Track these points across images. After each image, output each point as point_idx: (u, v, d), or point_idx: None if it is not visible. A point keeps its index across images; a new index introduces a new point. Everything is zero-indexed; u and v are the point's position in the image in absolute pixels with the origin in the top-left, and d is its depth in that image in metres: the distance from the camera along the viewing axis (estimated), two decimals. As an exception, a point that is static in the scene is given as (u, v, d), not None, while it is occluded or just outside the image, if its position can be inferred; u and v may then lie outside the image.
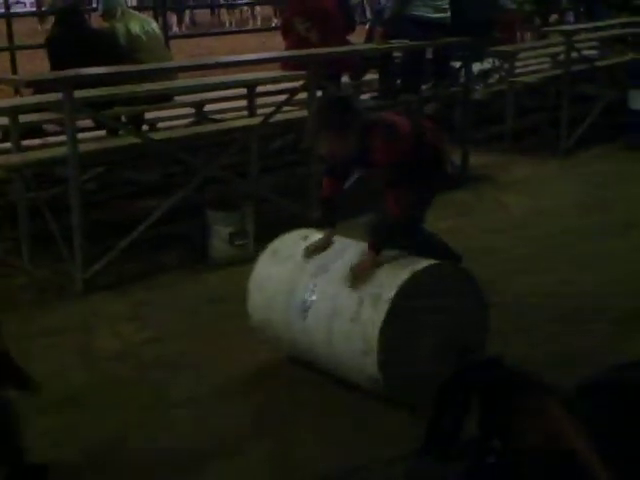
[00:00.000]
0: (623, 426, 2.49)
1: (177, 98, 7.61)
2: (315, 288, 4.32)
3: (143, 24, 7.69)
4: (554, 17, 14.44)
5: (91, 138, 6.75)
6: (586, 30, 10.68)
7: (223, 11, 24.44)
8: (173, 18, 20.58)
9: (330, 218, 4.63)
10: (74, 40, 7.02)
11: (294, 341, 4.46)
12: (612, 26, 11.08)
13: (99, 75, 6.24)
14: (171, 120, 7.67)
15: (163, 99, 7.36)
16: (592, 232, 6.71)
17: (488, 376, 2.70)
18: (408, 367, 4.07)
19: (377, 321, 3.99)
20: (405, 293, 4.03)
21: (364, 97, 8.42)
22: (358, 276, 4.19)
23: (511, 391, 2.63)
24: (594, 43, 11.28)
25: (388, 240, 4.34)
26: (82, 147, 5.95)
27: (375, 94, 8.48)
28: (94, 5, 17.80)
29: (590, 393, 2.63)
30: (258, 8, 23.45)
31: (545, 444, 2.47)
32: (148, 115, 7.44)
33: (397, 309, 4.01)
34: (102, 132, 6.99)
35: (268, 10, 23.69)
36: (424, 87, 8.54)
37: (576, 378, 2.87)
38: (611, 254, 6.21)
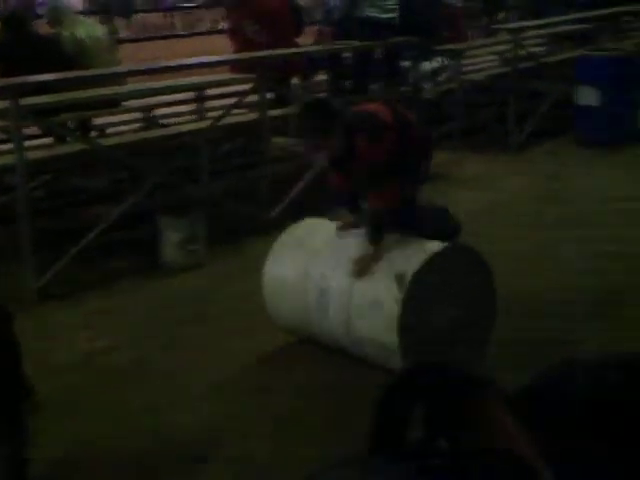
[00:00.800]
0: (567, 430, 2.50)
1: (125, 103, 7.55)
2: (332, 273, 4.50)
3: (89, 30, 7.63)
4: (501, 15, 14.57)
5: (39, 145, 6.66)
6: (533, 27, 10.78)
7: (173, 14, 24.27)
8: (122, 22, 20.38)
9: (354, 204, 4.71)
10: (21, 46, 6.94)
11: (311, 321, 4.60)
12: (559, 23, 11.20)
13: (45, 82, 6.16)
14: (120, 126, 7.60)
15: (111, 104, 7.29)
16: (546, 224, 6.79)
17: (433, 378, 2.70)
18: (425, 343, 4.24)
19: (398, 299, 4.18)
20: (421, 274, 4.23)
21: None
22: (361, 269, 4.35)
23: (456, 393, 2.63)
24: (542, 40, 11.41)
25: (380, 231, 4.44)
26: (29, 155, 5.88)
27: (325, 95, 8.48)
28: (39, 12, 17.66)
29: (538, 395, 2.64)
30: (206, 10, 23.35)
31: (490, 445, 2.47)
32: (96, 121, 7.37)
33: (414, 289, 4.19)
34: (50, 139, 6.91)
35: (217, 13, 23.60)
36: (374, 87, 8.57)
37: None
38: (566, 244, 6.27)
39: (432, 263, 4.30)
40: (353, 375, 4.50)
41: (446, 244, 4.46)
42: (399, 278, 4.23)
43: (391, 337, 4.22)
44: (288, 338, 4.95)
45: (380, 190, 4.40)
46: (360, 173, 4.48)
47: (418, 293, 4.24)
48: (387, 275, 4.30)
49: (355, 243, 4.57)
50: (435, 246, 4.41)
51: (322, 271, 4.56)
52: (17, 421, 3.25)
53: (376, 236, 4.42)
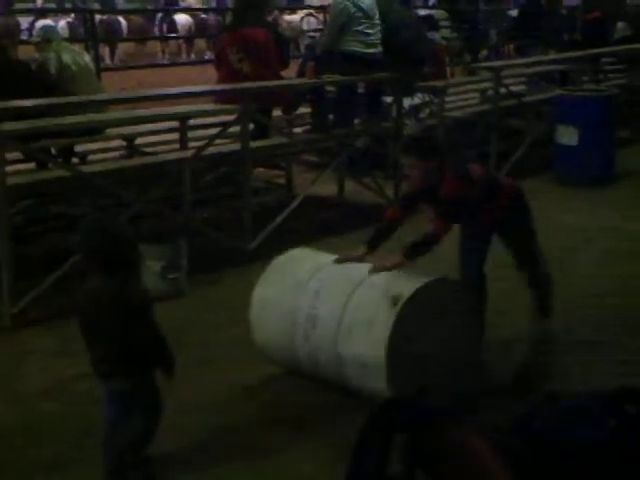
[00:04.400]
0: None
1: (108, 131, 7.55)
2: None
3: (75, 56, 7.65)
4: (483, 53, 14.76)
5: (20, 171, 6.64)
6: (514, 66, 10.91)
7: (157, 43, 24.36)
8: (106, 50, 20.44)
9: (375, 240, 4.90)
10: (2, 72, 6.93)
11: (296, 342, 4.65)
12: (540, 62, 11.35)
13: (27, 107, 6.16)
14: (102, 153, 7.60)
15: (93, 131, 7.29)
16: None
17: (410, 413, 2.71)
18: (411, 367, 4.30)
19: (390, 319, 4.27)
20: (415, 298, 4.35)
21: (297, 130, 8.47)
22: (379, 267, 4.59)
23: (433, 426, 2.64)
24: (522, 79, 11.54)
25: (420, 253, 4.72)
26: (10, 180, 5.86)
27: (308, 128, 8.53)
28: (23, 37, 17.71)
29: (522, 427, 2.66)
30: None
31: (468, 477, 2.49)
32: (79, 148, 7.36)
33: (407, 312, 4.30)
34: (31, 165, 6.89)
35: (202, 43, 23.71)
36: (356, 121, 8.63)
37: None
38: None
39: (426, 290, 4.42)
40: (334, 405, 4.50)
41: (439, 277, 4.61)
42: (394, 300, 4.31)
43: (378, 358, 4.27)
44: (266, 370, 4.94)
45: (444, 221, 4.73)
46: (438, 201, 4.80)
47: (410, 317, 4.32)
48: (382, 297, 4.39)
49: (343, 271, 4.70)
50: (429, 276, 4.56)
51: (311, 298, 4.62)
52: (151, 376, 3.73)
53: (414, 254, 4.67)
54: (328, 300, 4.59)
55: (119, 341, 3.58)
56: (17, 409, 4.63)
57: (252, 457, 4.14)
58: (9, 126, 5.90)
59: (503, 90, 9.72)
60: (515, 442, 2.63)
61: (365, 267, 4.68)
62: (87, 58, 8.03)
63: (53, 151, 7.10)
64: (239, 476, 4.00)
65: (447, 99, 10.03)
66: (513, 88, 10.45)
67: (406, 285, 4.43)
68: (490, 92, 9.88)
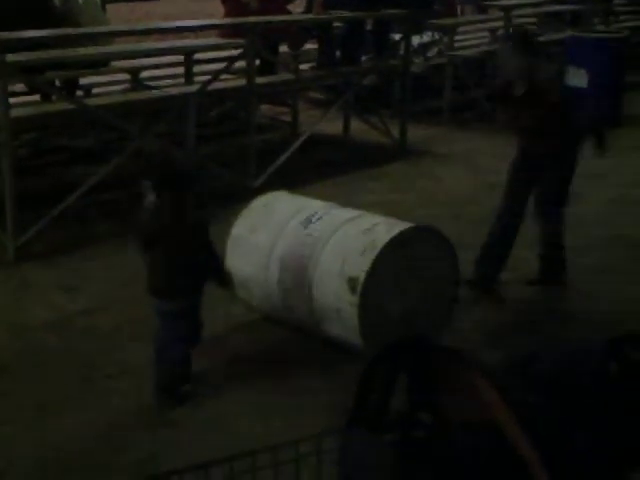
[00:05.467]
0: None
1: (113, 64, 7.47)
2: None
3: (80, -13, 7.54)
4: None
5: (24, 103, 6.59)
6: (524, 5, 10.75)
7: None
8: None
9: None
10: (7, 2, 6.84)
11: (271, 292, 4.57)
12: (551, 2, 11.18)
13: (32, 38, 6.09)
14: (106, 86, 7.53)
15: (98, 64, 7.22)
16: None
17: (417, 351, 2.72)
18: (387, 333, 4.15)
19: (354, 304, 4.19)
20: (374, 273, 4.19)
21: (303, 67, 8.38)
22: None
23: (439, 365, 2.65)
24: (533, 19, 11.39)
25: None
26: (14, 112, 5.81)
27: (314, 65, 8.43)
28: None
29: (519, 370, 2.67)
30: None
31: (470, 414, 2.50)
32: (83, 80, 7.30)
33: (369, 290, 4.18)
34: (35, 97, 6.84)
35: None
36: (364, 59, 8.53)
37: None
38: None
39: (383, 258, 4.23)
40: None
41: (404, 229, 4.37)
42: (352, 282, 4.21)
43: (356, 340, 4.24)
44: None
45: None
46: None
47: (373, 292, 4.22)
48: (341, 281, 4.27)
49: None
50: (385, 237, 4.30)
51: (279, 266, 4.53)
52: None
53: None
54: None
55: (181, 259, 3.91)
56: (21, 343, 4.66)
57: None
58: (12, 57, 5.83)
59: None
60: (516, 382, 2.64)
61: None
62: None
63: (57, 83, 7.04)
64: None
65: (456, 38, 9.93)
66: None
67: (382, 234, 4.30)
68: (500, 31, 9.74)
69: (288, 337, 4.67)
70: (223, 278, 4.30)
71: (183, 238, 3.92)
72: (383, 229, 4.36)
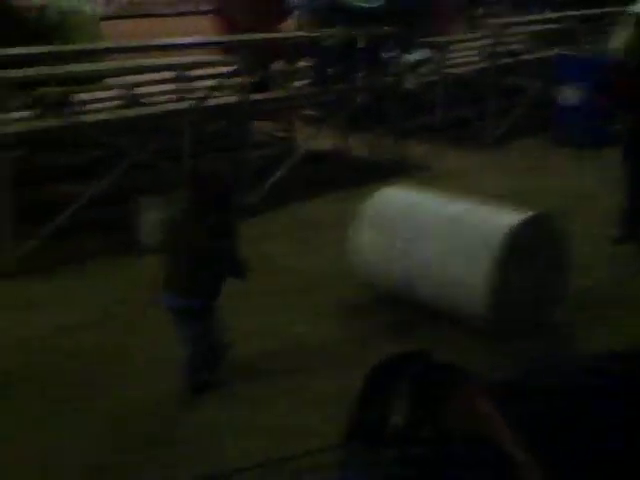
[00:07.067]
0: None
1: (107, 80, 7.45)
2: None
3: (73, 3, 7.54)
4: (479, 11, 14.56)
5: (18, 119, 6.56)
6: (515, 24, 10.80)
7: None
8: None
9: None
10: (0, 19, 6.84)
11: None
12: (540, 21, 11.24)
13: (24, 55, 6.07)
14: (100, 102, 7.50)
15: (92, 80, 7.20)
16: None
17: (419, 364, 2.72)
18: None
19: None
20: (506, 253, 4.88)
21: (297, 84, 8.38)
22: None
23: (439, 380, 2.65)
24: (523, 37, 11.41)
25: None
26: (8, 128, 5.80)
27: (308, 82, 8.43)
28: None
29: (517, 389, 2.68)
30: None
31: (471, 431, 2.50)
32: (76, 97, 7.26)
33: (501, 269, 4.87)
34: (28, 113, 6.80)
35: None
36: (357, 76, 8.55)
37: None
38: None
39: (517, 235, 4.92)
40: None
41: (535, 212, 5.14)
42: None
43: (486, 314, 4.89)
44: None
45: None
46: None
47: (506, 268, 4.87)
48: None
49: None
50: (518, 217, 5.03)
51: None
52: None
53: None
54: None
55: (207, 261, 4.22)
56: (21, 357, 4.65)
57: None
58: (4, 73, 5.81)
59: (502, 48, 9.65)
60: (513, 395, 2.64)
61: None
62: (88, 5, 7.90)
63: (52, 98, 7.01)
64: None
65: (447, 56, 9.95)
66: (513, 46, 10.36)
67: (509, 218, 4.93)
68: (490, 49, 9.78)
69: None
70: (240, 272, 4.41)
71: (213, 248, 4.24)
72: (514, 212, 5.10)
